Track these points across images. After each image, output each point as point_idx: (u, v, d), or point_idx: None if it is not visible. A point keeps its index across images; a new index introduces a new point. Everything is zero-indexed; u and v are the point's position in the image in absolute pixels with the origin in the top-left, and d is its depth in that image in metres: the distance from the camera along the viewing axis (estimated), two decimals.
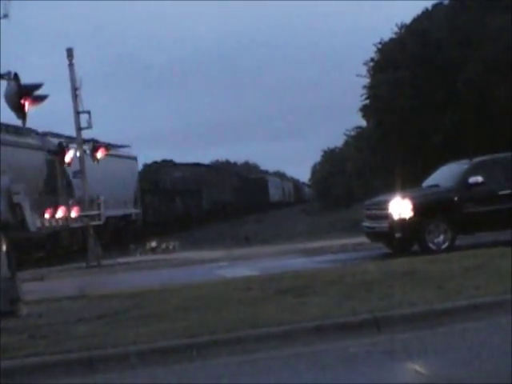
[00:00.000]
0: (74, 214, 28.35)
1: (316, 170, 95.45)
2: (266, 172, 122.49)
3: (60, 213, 28.65)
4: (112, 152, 39.58)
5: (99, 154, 28.26)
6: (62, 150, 27.02)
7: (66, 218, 28.67)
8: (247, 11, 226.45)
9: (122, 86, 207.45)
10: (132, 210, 46.88)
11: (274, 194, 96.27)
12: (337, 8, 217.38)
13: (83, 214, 27.99)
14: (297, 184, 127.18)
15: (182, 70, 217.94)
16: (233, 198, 74.45)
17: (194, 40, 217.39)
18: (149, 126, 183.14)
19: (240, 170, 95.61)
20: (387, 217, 20.81)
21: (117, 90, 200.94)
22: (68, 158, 26.92)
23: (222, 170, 79.09)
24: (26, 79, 16.46)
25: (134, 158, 49.68)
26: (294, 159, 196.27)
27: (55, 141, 32.87)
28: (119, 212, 42.76)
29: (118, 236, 41.46)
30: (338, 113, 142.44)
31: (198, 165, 70.08)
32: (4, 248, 13.99)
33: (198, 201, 62.90)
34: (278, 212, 72.22)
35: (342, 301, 11.55)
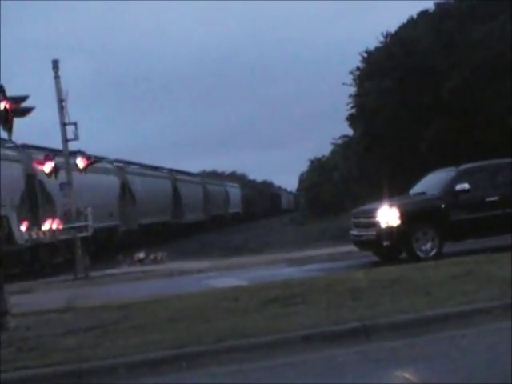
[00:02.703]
0: (60, 225, 28.23)
1: (303, 179, 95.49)
2: (254, 181, 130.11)
3: (47, 225, 28.55)
4: (231, 183, 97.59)
5: (81, 164, 28.06)
6: (44, 162, 26.94)
7: (54, 230, 28.56)
8: (235, 23, 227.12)
9: (110, 97, 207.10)
10: (239, 209, 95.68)
11: (284, 203, 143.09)
12: (322, 18, 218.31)
13: (70, 225, 27.89)
14: (295, 195, 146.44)
15: (170, 81, 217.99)
16: (267, 205, 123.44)
17: (183, 52, 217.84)
18: (136, 137, 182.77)
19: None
20: (375, 225, 20.83)
21: (105, 102, 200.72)
22: (48, 168, 26.75)
23: (256, 188, 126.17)
24: (11, 91, 16.46)
25: (238, 187, 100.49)
26: (282, 168, 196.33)
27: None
28: (236, 210, 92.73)
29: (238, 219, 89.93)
30: (324, 122, 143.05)
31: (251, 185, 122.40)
32: None
33: (255, 207, 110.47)
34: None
35: (331, 309, 11.55)
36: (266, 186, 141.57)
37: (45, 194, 34.92)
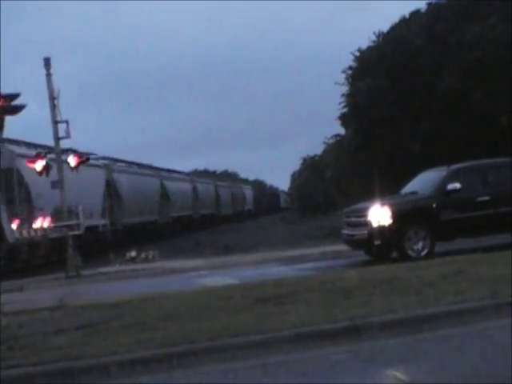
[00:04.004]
0: (51, 223, 28.21)
1: (295, 178, 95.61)
2: (246, 180, 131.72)
3: (39, 223, 28.51)
4: (246, 186, 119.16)
5: (73, 162, 27.96)
6: (36, 159, 26.87)
7: (45, 228, 28.53)
8: (227, 21, 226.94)
9: (102, 95, 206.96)
10: (251, 207, 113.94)
11: (282, 202, 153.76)
12: (314, 18, 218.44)
13: (61, 224, 27.84)
14: (291, 195, 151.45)
15: (161, 80, 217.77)
16: (270, 204, 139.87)
17: (174, 50, 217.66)
18: (127, 135, 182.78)
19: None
20: (366, 224, 20.86)
21: (97, 100, 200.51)
22: (39, 166, 26.71)
23: (262, 189, 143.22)
24: (3, 89, 16.43)
25: (251, 189, 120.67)
26: (274, 167, 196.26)
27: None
28: (250, 207, 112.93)
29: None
30: (316, 121, 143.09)
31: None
32: None
33: (262, 205, 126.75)
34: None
35: (323, 308, 11.56)
36: (268, 187, 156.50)
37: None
